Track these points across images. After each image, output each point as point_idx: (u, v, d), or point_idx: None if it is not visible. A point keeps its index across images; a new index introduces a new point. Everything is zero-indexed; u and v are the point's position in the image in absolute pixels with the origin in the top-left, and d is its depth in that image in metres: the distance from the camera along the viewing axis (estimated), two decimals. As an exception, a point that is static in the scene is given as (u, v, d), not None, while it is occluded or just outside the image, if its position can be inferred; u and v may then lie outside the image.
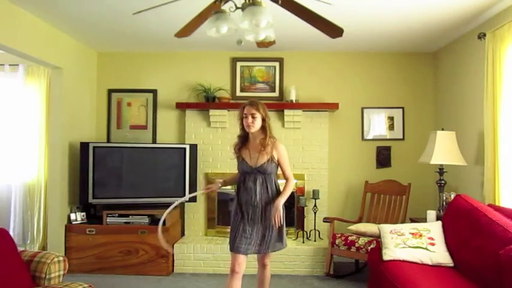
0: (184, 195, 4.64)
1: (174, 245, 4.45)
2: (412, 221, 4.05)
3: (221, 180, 3.13)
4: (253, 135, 2.94)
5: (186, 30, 2.72)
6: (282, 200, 2.87)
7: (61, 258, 2.78)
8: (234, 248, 2.87)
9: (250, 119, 2.85)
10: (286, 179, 2.98)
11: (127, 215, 4.41)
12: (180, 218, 4.88)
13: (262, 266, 3.06)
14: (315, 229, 4.66)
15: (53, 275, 2.69)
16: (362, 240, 4.01)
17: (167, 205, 4.61)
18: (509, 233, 2.51)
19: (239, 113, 2.96)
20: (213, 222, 4.89)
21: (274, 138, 2.95)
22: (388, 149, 4.96)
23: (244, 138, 3.00)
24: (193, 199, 4.70)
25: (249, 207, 2.89)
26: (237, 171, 3.08)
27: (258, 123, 2.87)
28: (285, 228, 3.00)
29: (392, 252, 3.05)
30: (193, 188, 4.71)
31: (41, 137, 4.89)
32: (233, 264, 2.87)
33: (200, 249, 4.43)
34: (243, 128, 2.96)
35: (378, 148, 4.97)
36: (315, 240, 4.62)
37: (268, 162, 2.89)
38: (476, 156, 3.88)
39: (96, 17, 3.85)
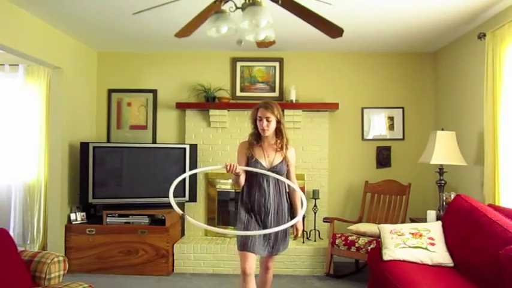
0: (184, 195, 4.64)
1: (174, 245, 4.46)
2: (412, 221, 4.04)
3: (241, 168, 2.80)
4: (267, 137, 2.88)
5: (186, 30, 2.72)
6: (300, 217, 2.79)
7: (61, 258, 2.79)
8: (248, 247, 2.71)
9: (265, 123, 2.79)
10: (294, 185, 2.92)
11: (127, 215, 4.41)
12: (180, 218, 4.88)
13: (266, 268, 2.98)
14: (315, 229, 4.67)
15: (53, 275, 2.69)
16: (362, 240, 4.01)
17: (167, 205, 4.64)
18: (509, 233, 2.51)
19: (252, 114, 2.87)
20: (213, 222, 4.88)
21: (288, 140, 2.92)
22: (388, 149, 4.96)
23: (257, 137, 2.89)
24: (193, 198, 4.70)
25: (261, 209, 2.80)
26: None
27: (272, 126, 2.82)
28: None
29: (392, 252, 3.05)
30: (193, 188, 4.71)
31: (41, 137, 4.88)
32: (244, 266, 2.72)
33: (200, 249, 4.43)
34: (255, 128, 2.87)
35: (378, 148, 4.96)
36: (315, 240, 4.62)
37: (282, 163, 2.86)
38: (476, 156, 3.88)
39: (96, 17, 3.85)
